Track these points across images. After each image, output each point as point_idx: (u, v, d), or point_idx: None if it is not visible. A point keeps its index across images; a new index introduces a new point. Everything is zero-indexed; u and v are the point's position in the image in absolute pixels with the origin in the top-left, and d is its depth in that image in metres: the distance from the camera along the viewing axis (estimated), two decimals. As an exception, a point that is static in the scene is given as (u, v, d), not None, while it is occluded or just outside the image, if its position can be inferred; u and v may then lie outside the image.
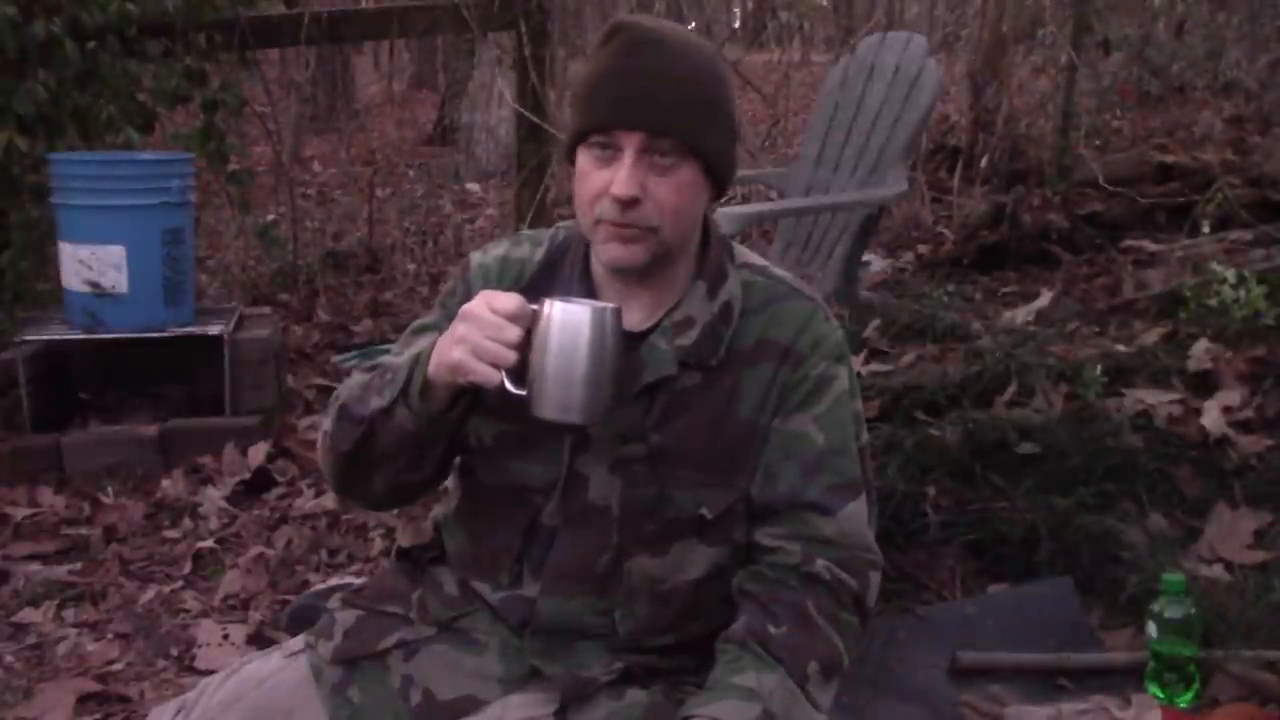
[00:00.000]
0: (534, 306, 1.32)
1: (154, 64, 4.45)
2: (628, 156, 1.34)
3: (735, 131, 1.44)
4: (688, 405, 1.42)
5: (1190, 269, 3.94)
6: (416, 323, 1.56)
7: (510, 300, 1.30)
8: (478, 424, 1.45)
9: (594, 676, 1.44)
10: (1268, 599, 2.16)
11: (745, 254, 1.51)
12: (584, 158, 1.38)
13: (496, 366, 1.28)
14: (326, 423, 1.47)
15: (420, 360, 1.36)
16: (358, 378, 1.47)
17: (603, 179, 1.36)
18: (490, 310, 1.29)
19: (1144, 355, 2.94)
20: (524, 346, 1.30)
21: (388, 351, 1.55)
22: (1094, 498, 2.44)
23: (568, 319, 1.31)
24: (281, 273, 5.29)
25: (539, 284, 1.47)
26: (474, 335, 1.28)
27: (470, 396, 1.37)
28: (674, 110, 1.34)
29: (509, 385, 1.30)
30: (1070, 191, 5.31)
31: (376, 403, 1.39)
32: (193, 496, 3.35)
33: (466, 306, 1.31)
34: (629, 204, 1.34)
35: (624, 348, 1.34)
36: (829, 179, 3.66)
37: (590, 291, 1.45)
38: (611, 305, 1.34)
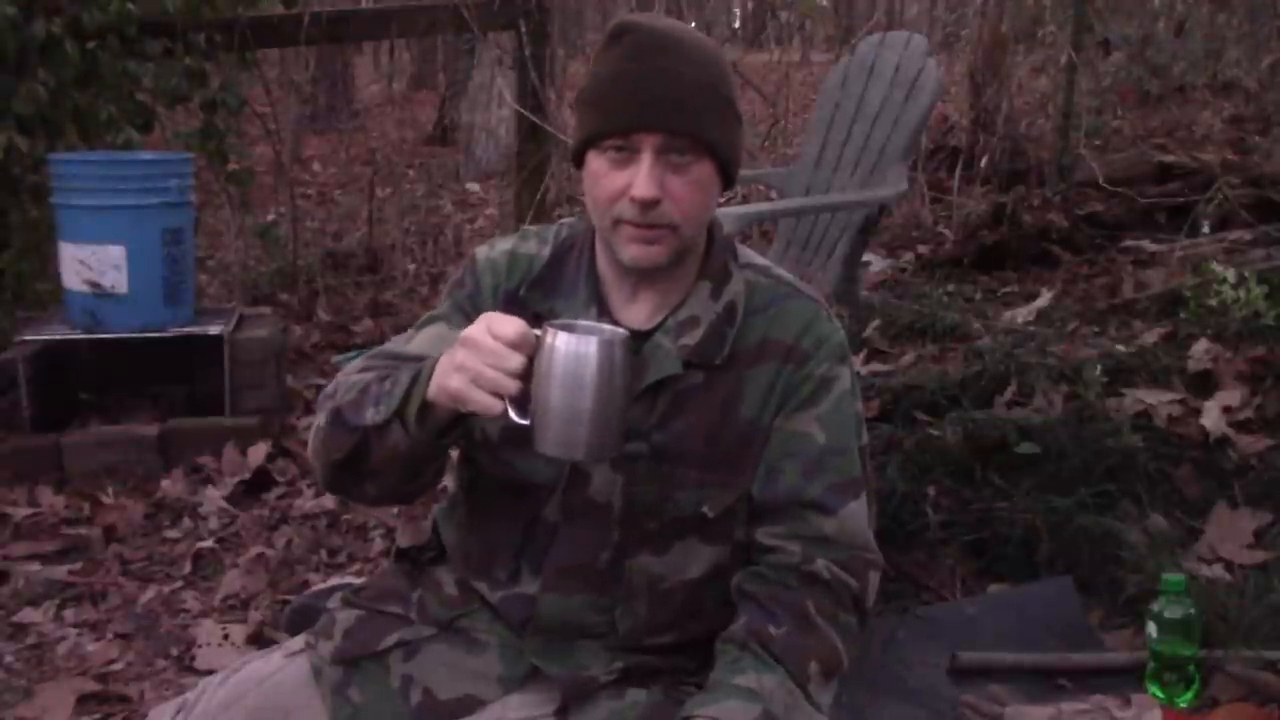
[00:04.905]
0: (537, 332, 1.24)
1: (154, 64, 4.44)
2: (646, 157, 1.33)
3: (741, 124, 1.44)
4: (690, 404, 1.42)
5: (1190, 269, 3.94)
6: (425, 315, 1.54)
7: (512, 325, 1.25)
8: (483, 419, 1.43)
9: (594, 676, 1.44)
10: (1268, 599, 2.16)
11: (748, 254, 1.51)
12: (597, 160, 1.37)
13: (498, 395, 1.24)
14: (320, 418, 1.44)
15: (419, 380, 1.32)
16: (355, 377, 1.44)
17: (620, 180, 1.35)
18: (491, 336, 1.24)
19: (1144, 355, 2.94)
20: (526, 374, 1.23)
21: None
22: (1094, 498, 2.44)
23: (572, 351, 1.22)
24: (281, 273, 5.28)
25: (546, 280, 1.47)
26: (474, 362, 1.24)
27: (468, 419, 1.34)
28: (689, 109, 1.34)
29: (512, 414, 1.24)
30: (1070, 191, 5.31)
31: (371, 415, 1.36)
32: (193, 496, 3.35)
33: (467, 332, 1.27)
34: (649, 204, 1.34)
35: (632, 377, 1.29)
36: (829, 179, 3.66)
37: (596, 289, 1.45)
38: (620, 333, 1.27)
